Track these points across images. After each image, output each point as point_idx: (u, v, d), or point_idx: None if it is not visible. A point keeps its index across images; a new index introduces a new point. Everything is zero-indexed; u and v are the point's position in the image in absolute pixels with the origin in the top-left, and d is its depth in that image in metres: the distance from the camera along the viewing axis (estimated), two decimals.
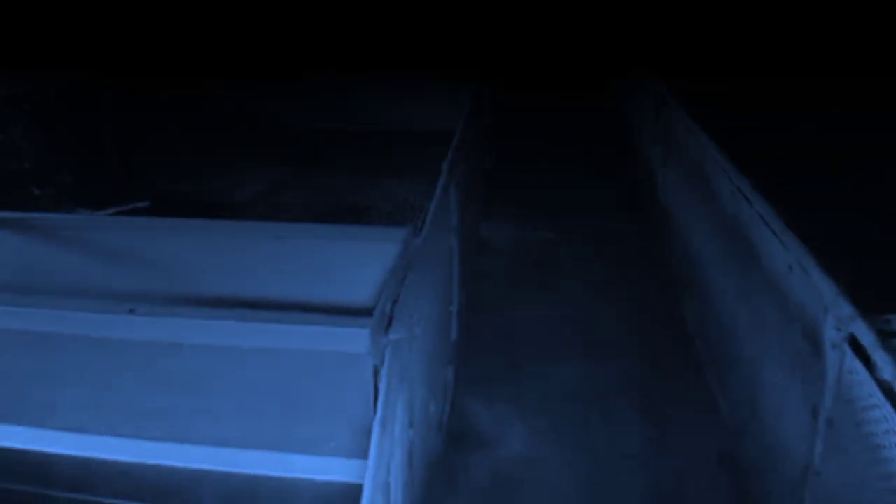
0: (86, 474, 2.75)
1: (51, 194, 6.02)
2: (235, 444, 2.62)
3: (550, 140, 9.15)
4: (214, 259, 3.20)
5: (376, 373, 2.37)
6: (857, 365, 2.24)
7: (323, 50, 9.32)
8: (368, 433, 2.18)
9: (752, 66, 7.87)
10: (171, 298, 2.82)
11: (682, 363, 4.39)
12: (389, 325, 2.44)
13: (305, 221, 5.53)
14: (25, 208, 3.95)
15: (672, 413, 3.99)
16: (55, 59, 7.32)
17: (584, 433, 3.85)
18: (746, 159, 3.81)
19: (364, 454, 2.13)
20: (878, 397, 2.10)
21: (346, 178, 7.37)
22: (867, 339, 2.22)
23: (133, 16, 8.76)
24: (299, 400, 2.56)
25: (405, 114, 8.38)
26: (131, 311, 2.50)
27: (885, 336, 2.20)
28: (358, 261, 3.05)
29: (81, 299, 2.67)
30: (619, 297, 5.29)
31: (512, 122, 9.01)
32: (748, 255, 3.39)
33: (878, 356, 2.14)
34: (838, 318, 2.38)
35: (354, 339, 2.36)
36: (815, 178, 4.99)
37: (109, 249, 3.31)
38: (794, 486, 2.71)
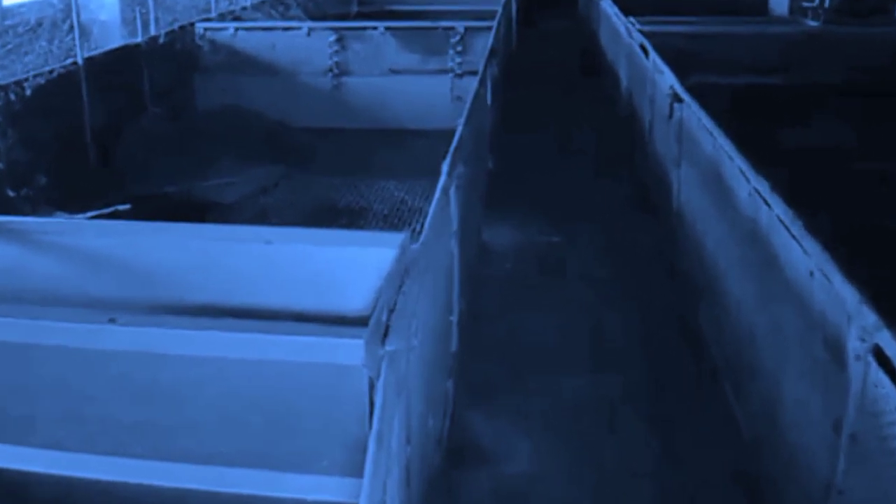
0: (65, 494, 2.75)
1: (26, 196, 6.02)
2: (222, 461, 2.62)
3: None
4: (200, 265, 3.19)
5: (372, 386, 2.37)
6: (883, 377, 2.24)
7: None
8: (363, 450, 2.18)
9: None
10: (154, 307, 2.82)
11: (697, 374, 4.39)
12: (386, 335, 2.44)
13: (297, 225, 5.52)
14: None
15: (685, 427, 3.99)
16: None
17: (591, 449, 3.85)
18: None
19: (359, 472, 2.13)
20: None
21: (340, 178, 7.38)
22: (893, 350, 2.22)
23: None
24: (290, 414, 2.56)
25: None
26: (112, 321, 2.51)
27: None
28: (352, 267, 3.05)
29: (60, 308, 2.67)
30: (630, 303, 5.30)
31: None
32: (767, 260, 3.39)
33: None
34: (862, 327, 2.38)
35: (348, 350, 2.36)
36: None
37: (89, 255, 3.31)
38: None
